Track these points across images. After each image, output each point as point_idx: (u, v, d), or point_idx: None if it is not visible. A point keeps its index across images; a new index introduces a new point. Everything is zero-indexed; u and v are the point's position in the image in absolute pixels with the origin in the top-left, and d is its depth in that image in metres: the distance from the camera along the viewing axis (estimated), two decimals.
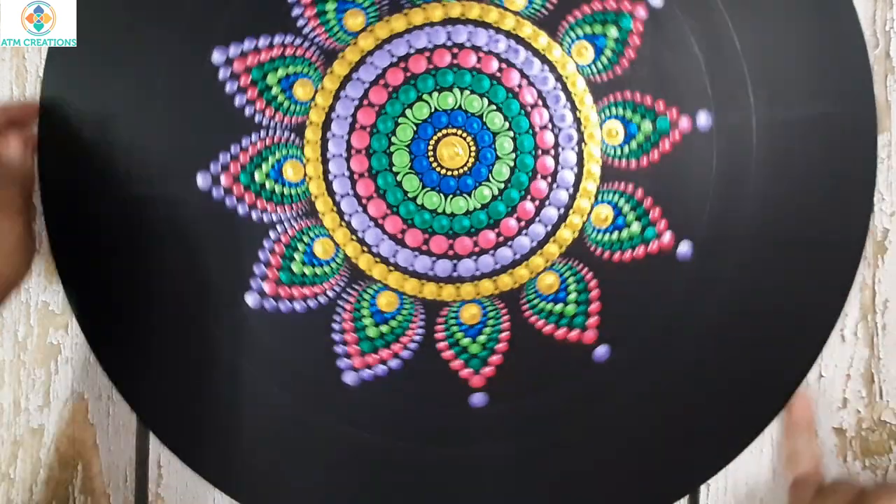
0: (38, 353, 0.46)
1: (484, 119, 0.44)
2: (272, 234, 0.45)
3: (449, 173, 0.45)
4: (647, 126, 0.44)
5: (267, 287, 0.45)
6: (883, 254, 0.44)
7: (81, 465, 0.46)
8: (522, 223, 0.44)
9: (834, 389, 0.44)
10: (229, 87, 0.44)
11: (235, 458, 0.45)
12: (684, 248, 0.44)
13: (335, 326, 0.45)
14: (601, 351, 0.44)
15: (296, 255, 0.45)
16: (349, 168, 0.45)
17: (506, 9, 0.44)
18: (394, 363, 0.45)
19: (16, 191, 0.42)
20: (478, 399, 0.45)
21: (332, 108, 0.45)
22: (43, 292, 0.46)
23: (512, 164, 0.44)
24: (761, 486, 0.45)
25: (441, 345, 0.45)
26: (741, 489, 0.45)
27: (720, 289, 0.44)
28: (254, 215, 0.45)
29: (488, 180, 0.44)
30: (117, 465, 0.46)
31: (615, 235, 0.44)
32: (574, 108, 0.44)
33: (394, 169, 0.45)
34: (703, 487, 0.45)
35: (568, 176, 0.44)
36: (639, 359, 0.44)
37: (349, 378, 0.45)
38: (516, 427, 0.44)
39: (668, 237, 0.44)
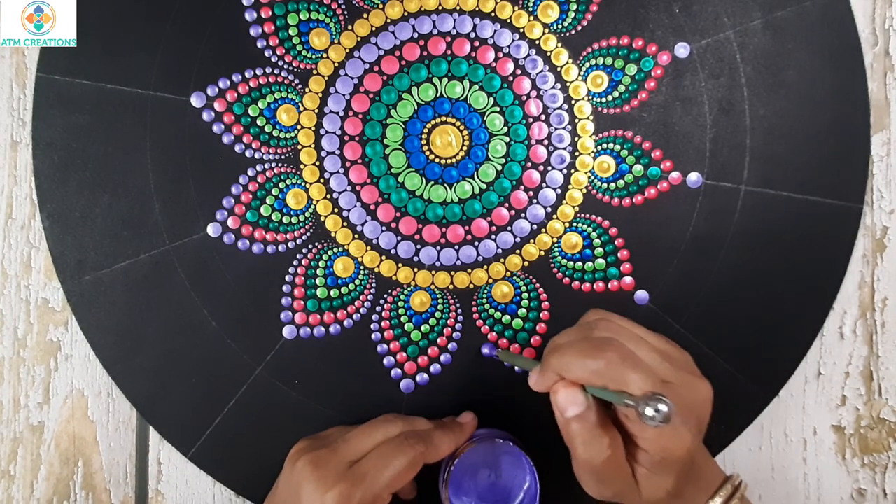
0: (38, 349, 0.46)
1: (485, 118, 0.44)
2: (250, 171, 0.45)
3: (437, 160, 0.45)
4: (638, 169, 0.44)
5: (231, 221, 0.45)
6: (882, 251, 0.45)
7: (82, 462, 0.46)
8: (494, 228, 0.45)
9: (833, 387, 0.45)
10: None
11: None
12: (642, 295, 0.44)
13: (287, 279, 0.45)
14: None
15: (268, 198, 0.45)
16: (342, 128, 0.45)
17: (536, 18, 0.44)
18: (333, 329, 0.45)
19: None
20: (407, 385, 0.45)
21: (342, 64, 0.44)
22: (42, 289, 0.46)
23: (500, 167, 0.44)
24: (760, 483, 0.45)
25: (384, 323, 0.45)
26: None
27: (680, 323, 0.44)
28: (237, 148, 0.45)
29: (472, 177, 0.45)
30: (117, 462, 0.46)
31: (579, 264, 0.44)
32: (574, 132, 0.44)
33: (385, 141, 0.45)
34: None
35: (549, 195, 0.44)
36: None
37: (287, 331, 0.45)
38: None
39: (629, 280, 0.44)
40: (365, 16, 0.44)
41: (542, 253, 0.45)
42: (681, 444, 0.33)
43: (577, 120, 0.44)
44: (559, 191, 0.44)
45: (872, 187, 0.44)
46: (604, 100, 0.44)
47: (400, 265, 0.45)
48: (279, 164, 0.45)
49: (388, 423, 0.40)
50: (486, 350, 0.44)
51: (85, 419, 0.46)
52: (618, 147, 0.44)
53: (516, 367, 0.44)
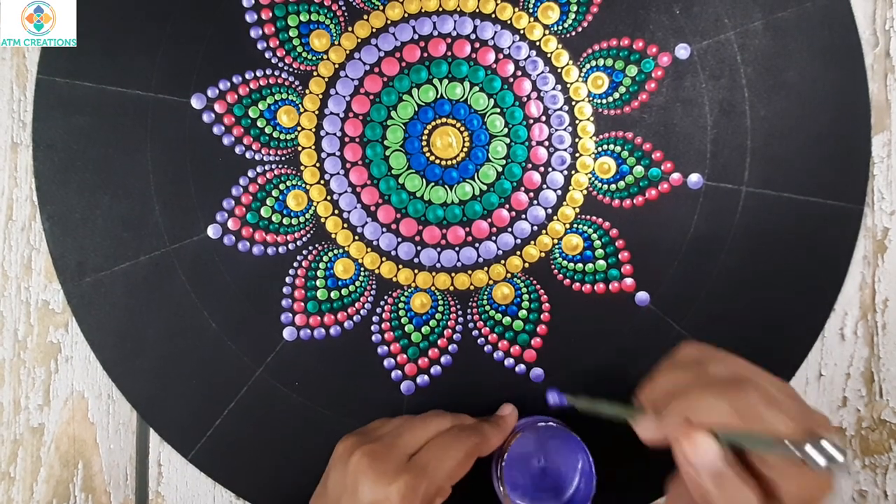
0: (39, 351, 0.46)
1: (485, 119, 0.44)
2: (250, 173, 0.45)
3: (437, 161, 0.45)
4: (639, 170, 0.44)
5: (231, 223, 0.45)
6: (883, 252, 0.44)
7: (82, 464, 0.46)
8: (494, 229, 0.45)
9: (834, 388, 0.45)
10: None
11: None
12: (642, 296, 0.44)
13: (288, 280, 0.45)
14: (537, 372, 0.44)
15: (268, 200, 0.45)
16: (342, 129, 0.45)
17: (537, 19, 0.44)
18: (334, 330, 0.45)
19: None
20: (407, 387, 0.45)
21: (342, 65, 0.44)
22: (43, 291, 0.46)
23: (500, 169, 0.44)
24: None
25: (385, 324, 0.45)
26: None
27: (672, 342, 0.44)
28: (237, 149, 0.45)
29: (473, 178, 0.44)
30: (117, 464, 0.46)
31: (580, 266, 0.44)
32: (574, 134, 0.44)
33: (385, 143, 0.45)
34: None
35: (550, 196, 0.44)
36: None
37: (287, 333, 0.45)
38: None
39: (629, 282, 0.44)
40: (365, 17, 0.44)
41: (543, 254, 0.44)
42: (823, 491, 0.29)
43: (577, 121, 0.44)
44: (560, 192, 0.44)
45: (873, 188, 0.44)
46: (604, 101, 0.44)
47: (400, 266, 0.45)
48: (279, 166, 0.45)
49: (440, 417, 0.40)
50: (552, 399, 0.38)
51: (85, 421, 0.46)
52: (618, 148, 0.44)
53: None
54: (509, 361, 0.45)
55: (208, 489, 0.46)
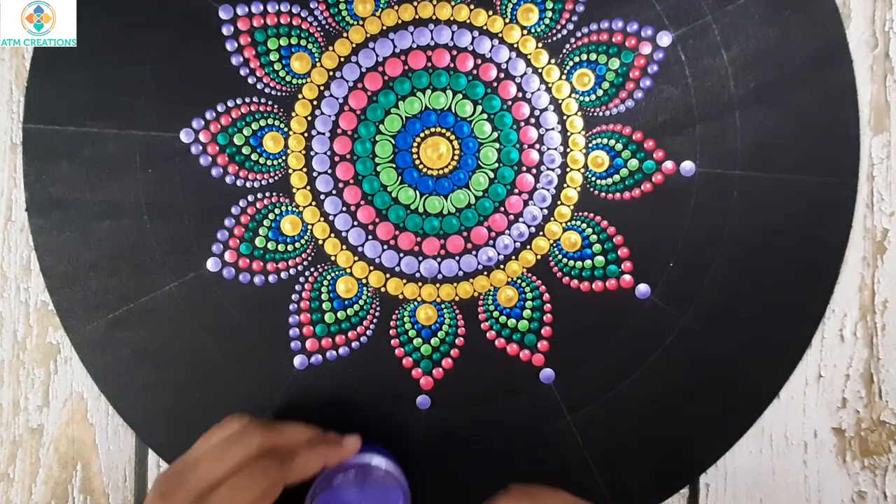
0: (38, 352, 0.46)
1: (473, 126, 0.44)
2: (241, 203, 0.44)
3: (429, 173, 0.44)
4: (633, 163, 0.44)
5: (228, 255, 0.44)
6: (882, 254, 0.44)
7: (80, 465, 0.46)
8: (493, 234, 0.45)
9: (833, 389, 0.45)
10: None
11: None
12: (643, 289, 0.44)
13: (292, 307, 0.44)
14: (547, 373, 0.45)
15: (261, 229, 0.44)
16: (331, 149, 0.44)
17: (517, 22, 0.44)
18: (343, 351, 0.45)
19: None
20: (422, 401, 0.45)
21: (326, 85, 0.44)
22: (42, 292, 0.45)
23: (492, 174, 0.44)
24: (760, 486, 0.45)
25: (394, 341, 0.45)
26: (740, 489, 0.45)
27: (674, 337, 0.44)
28: (227, 179, 0.44)
29: (466, 186, 0.44)
30: (116, 465, 0.46)
31: (580, 263, 0.44)
32: (564, 132, 0.44)
33: (376, 159, 0.44)
34: (702, 487, 0.45)
35: (545, 196, 0.44)
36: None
37: (298, 361, 0.45)
38: (462, 434, 0.45)
39: (628, 278, 0.44)
40: (345, 35, 0.44)
41: (543, 254, 0.44)
42: None
43: (565, 118, 0.44)
44: (554, 191, 0.44)
45: (873, 190, 0.44)
46: (591, 98, 0.44)
47: (405, 281, 0.45)
48: (270, 194, 0.44)
49: (245, 437, 0.37)
50: None
51: (84, 422, 0.46)
52: (610, 142, 0.44)
53: None
54: (519, 364, 0.45)
55: None
